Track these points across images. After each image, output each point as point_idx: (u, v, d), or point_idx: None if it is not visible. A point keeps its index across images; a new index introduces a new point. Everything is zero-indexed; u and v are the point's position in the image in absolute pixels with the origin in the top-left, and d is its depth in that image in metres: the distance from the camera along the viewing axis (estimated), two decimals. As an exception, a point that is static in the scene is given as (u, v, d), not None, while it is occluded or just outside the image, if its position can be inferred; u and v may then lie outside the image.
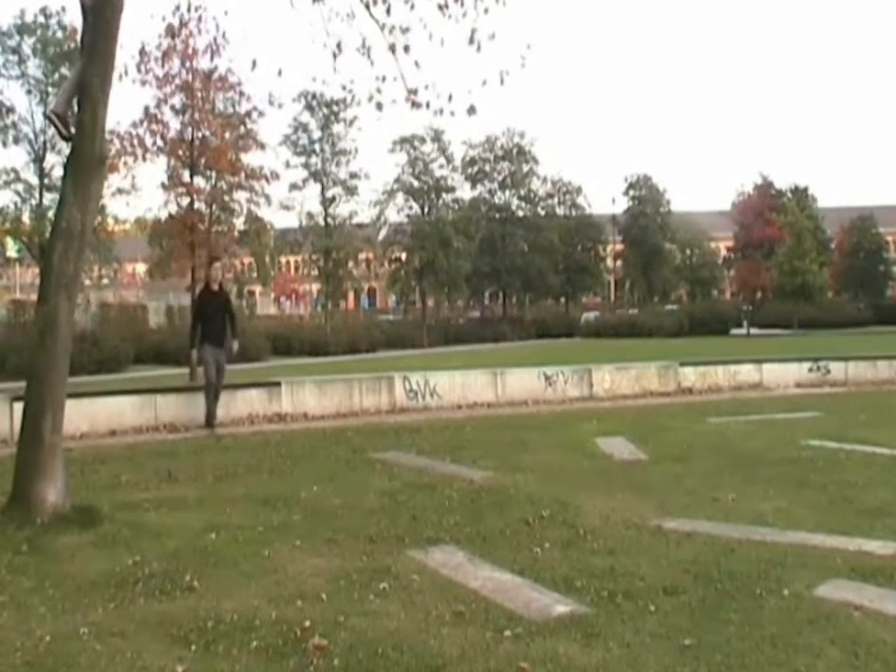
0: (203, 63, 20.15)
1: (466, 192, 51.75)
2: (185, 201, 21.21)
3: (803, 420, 10.76)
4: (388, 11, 7.31)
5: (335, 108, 40.62)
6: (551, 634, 3.79)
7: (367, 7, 7.40)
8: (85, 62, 6.25)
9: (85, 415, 10.22)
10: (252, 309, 44.05)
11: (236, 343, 10.99)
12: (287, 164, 41.10)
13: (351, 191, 42.33)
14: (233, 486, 7.14)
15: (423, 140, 46.21)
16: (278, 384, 11.96)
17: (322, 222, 42.12)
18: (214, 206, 21.75)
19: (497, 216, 52.93)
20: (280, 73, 8.21)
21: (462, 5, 7.30)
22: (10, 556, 5.07)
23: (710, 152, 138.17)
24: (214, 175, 21.48)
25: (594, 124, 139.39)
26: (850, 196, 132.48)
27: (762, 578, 4.47)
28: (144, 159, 20.02)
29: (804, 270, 49.40)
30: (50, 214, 21.02)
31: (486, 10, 7.33)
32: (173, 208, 21.62)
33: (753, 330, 46.46)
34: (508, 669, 3.45)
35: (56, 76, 24.20)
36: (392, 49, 7.44)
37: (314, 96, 40.85)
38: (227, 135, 21.07)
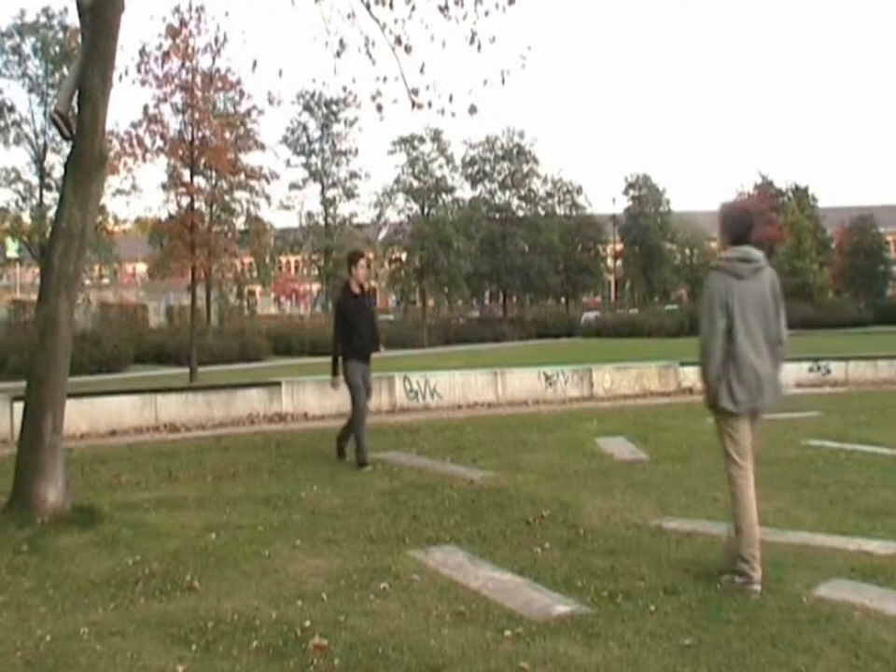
0: (204, 62, 20.20)
1: (466, 192, 51.75)
2: (185, 201, 21.23)
3: (803, 420, 10.74)
4: (391, 6, 7.32)
5: (334, 108, 40.71)
6: (551, 634, 3.79)
7: (367, 6, 7.41)
8: (85, 61, 6.24)
9: (85, 415, 10.23)
10: (252, 309, 44.06)
11: (382, 347, 9.19)
12: (288, 164, 41.24)
13: (350, 193, 42.39)
14: (233, 486, 7.14)
15: (423, 140, 46.20)
16: (278, 383, 11.97)
17: (322, 222, 42.18)
18: (214, 206, 21.79)
19: (497, 216, 52.85)
20: (281, 73, 8.23)
21: (462, 6, 7.32)
22: (10, 556, 5.07)
23: (710, 152, 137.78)
24: (214, 174, 21.50)
25: (594, 124, 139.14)
26: (850, 196, 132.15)
27: (762, 578, 4.47)
28: (144, 159, 20.03)
29: (804, 270, 49.40)
30: (51, 214, 21.07)
31: (486, 13, 7.35)
32: (173, 208, 21.68)
33: (753, 330, 46.27)
34: (508, 669, 3.45)
35: (56, 76, 24.26)
36: (394, 47, 7.45)
37: (312, 96, 40.94)
38: (227, 135, 21.08)
